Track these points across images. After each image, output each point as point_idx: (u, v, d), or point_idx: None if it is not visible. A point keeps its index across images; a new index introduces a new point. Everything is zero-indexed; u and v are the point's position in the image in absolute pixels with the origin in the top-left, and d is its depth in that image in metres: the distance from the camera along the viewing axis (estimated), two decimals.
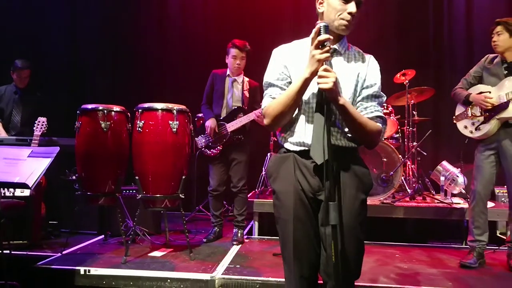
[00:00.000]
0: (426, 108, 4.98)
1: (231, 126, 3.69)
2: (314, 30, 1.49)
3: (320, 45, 1.47)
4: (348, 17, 1.58)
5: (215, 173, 3.81)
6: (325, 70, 1.46)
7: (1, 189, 2.84)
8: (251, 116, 3.66)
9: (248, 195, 4.27)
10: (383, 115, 1.67)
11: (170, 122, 3.20)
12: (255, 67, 4.32)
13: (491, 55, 3.27)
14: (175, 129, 3.19)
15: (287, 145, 1.68)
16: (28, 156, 2.53)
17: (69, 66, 5.64)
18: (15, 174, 2.42)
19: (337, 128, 1.61)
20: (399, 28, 5.34)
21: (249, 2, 5.44)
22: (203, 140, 3.77)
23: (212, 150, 3.76)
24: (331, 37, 1.48)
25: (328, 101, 1.50)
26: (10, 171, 2.46)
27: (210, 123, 3.70)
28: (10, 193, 3.27)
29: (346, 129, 1.62)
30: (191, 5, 5.68)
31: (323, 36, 1.46)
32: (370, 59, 1.71)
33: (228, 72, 3.81)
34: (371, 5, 5.17)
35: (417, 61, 5.14)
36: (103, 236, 3.85)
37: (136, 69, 5.58)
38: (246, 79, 3.86)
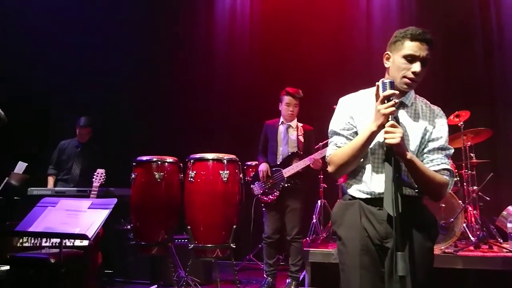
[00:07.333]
0: (483, 149, 4.74)
1: (287, 172, 3.68)
2: (378, 85, 1.52)
3: (385, 99, 1.49)
4: (412, 76, 1.60)
5: (270, 220, 3.77)
6: (392, 125, 1.48)
7: (63, 239, 2.96)
8: (306, 161, 3.65)
9: None
10: (450, 168, 1.64)
11: (221, 172, 3.26)
12: (311, 112, 4.35)
13: None
14: (225, 179, 3.24)
15: (352, 192, 1.68)
16: (88, 208, 2.66)
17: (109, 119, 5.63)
18: (76, 225, 2.55)
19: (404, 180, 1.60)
20: (445, 68, 5.22)
21: (312, 51, 5.45)
22: (259, 187, 3.77)
23: (269, 196, 3.73)
24: (396, 92, 1.51)
25: (394, 155, 1.50)
26: (71, 222, 2.60)
27: (262, 167, 3.74)
28: (70, 243, 3.39)
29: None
30: (241, 53, 5.85)
31: (387, 92, 1.50)
32: (438, 111, 1.72)
33: (281, 120, 3.88)
34: None
35: (469, 101, 4.97)
36: (156, 286, 3.85)
37: (183, 119, 5.74)
38: (300, 124, 3.90)
